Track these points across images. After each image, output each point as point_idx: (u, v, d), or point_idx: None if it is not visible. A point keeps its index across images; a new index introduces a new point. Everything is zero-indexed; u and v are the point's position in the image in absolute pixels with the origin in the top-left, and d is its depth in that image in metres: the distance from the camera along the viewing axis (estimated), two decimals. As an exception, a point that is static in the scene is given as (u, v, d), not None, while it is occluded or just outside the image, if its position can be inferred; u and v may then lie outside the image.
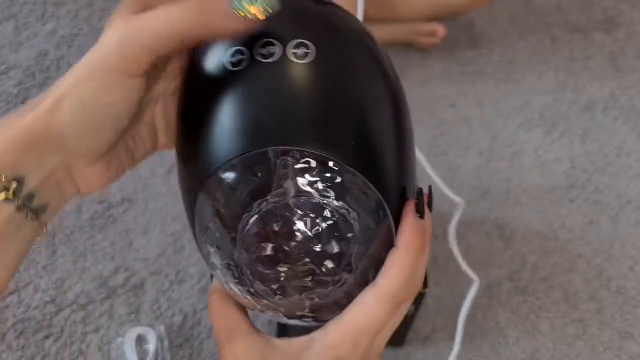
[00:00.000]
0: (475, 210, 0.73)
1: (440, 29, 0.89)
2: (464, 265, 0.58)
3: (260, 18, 0.28)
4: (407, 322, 0.59)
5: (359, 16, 0.40)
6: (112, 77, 0.27)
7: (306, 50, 0.28)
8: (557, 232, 0.72)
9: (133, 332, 0.58)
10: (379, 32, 0.36)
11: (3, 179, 0.27)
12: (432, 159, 0.80)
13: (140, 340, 0.58)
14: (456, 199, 0.57)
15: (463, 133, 0.82)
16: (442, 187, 0.57)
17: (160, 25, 0.27)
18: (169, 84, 0.33)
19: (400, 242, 0.30)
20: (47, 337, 0.59)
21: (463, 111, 0.85)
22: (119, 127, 0.29)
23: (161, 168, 0.73)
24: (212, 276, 0.36)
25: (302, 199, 0.29)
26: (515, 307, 0.65)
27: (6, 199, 0.27)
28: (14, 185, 0.27)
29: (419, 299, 0.55)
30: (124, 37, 0.27)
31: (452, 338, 0.58)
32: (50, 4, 0.91)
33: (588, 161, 0.80)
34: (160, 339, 0.59)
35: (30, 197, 0.28)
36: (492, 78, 0.90)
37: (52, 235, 0.66)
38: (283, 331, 0.55)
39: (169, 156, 0.74)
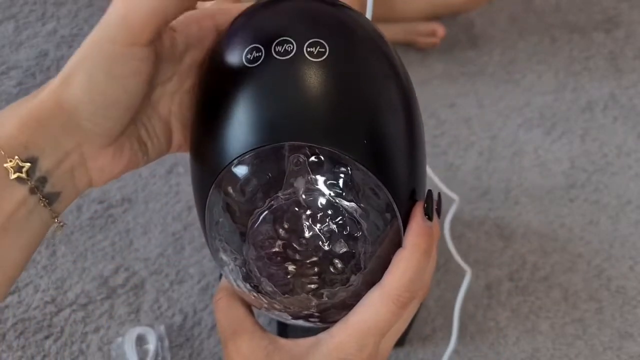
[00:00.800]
0: (475, 210, 0.73)
1: (440, 29, 0.89)
2: (457, 257, 0.59)
3: None
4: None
5: (368, 16, 0.41)
6: (119, 48, 0.27)
7: (321, 49, 0.29)
8: (557, 232, 0.72)
9: (133, 332, 0.58)
10: (379, 32, 0.37)
11: (17, 159, 0.27)
12: (432, 159, 0.80)
13: (140, 340, 0.58)
14: (452, 195, 0.58)
15: (463, 133, 0.82)
16: (438, 183, 0.57)
17: None
18: (184, 80, 0.33)
19: (407, 242, 0.30)
20: (47, 337, 0.59)
21: (463, 111, 0.85)
22: (130, 105, 0.29)
23: (161, 168, 0.73)
24: (221, 275, 0.36)
25: (313, 196, 0.29)
26: (515, 307, 0.65)
27: (19, 178, 0.27)
28: (27, 165, 0.27)
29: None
30: (126, 8, 0.27)
31: (455, 335, 0.58)
32: (50, 4, 0.91)
33: (588, 161, 0.80)
34: (160, 339, 0.59)
35: (43, 180, 0.28)
36: (492, 78, 0.90)
37: (52, 236, 0.66)
38: (282, 332, 0.55)
39: (169, 156, 0.74)
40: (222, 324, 0.34)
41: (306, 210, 0.29)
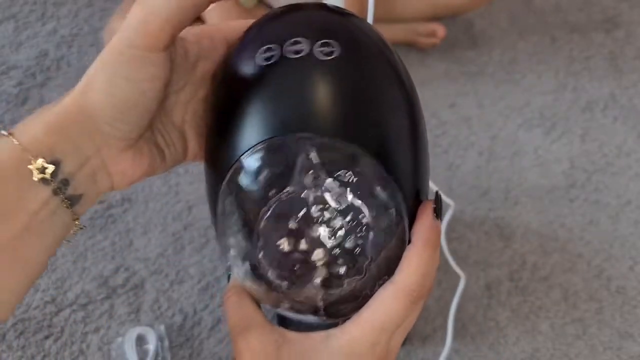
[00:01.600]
0: (475, 210, 0.73)
1: (440, 29, 0.89)
2: (452, 262, 0.59)
3: None
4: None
5: (369, 20, 0.42)
6: (137, 53, 0.29)
7: (331, 49, 0.31)
8: (557, 232, 0.72)
9: (133, 332, 0.58)
10: (379, 33, 0.37)
11: (41, 161, 0.28)
12: (432, 159, 0.80)
13: (140, 340, 0.58)
14: (448, 200, 0.59)
15: (463, 133, 0.82)
16: (434, 187, 0.58)
17: None
18: (197, 89, 0.34)
19: (418, 238, 0.31)
20: (47, 337, 0.59)
21: (463, 111, 0.85)
22: (147, 108, 0.31)
23: (161, 168, 0.73)
24: (229, 276, 0.37)
25: (321, 190, 0.30)
26: (515, 307, 0.65)
27: (43, 180, 0.28)
28: (51, 168, 0.28)
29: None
30: (145, 15, 0.29)
31: (452, 337, 0.58)
32: (50, 4, 0.91)
33: (588, 161, 0.80)
34: (160, 339, 0.59)
35: (66, 183, 0.29)
36: (492, 78, 0.90)
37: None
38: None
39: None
40: (232, 320, 0.35)
41: (314, 204, 0.30)
